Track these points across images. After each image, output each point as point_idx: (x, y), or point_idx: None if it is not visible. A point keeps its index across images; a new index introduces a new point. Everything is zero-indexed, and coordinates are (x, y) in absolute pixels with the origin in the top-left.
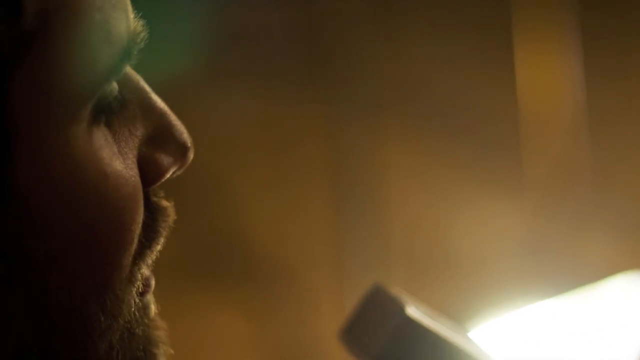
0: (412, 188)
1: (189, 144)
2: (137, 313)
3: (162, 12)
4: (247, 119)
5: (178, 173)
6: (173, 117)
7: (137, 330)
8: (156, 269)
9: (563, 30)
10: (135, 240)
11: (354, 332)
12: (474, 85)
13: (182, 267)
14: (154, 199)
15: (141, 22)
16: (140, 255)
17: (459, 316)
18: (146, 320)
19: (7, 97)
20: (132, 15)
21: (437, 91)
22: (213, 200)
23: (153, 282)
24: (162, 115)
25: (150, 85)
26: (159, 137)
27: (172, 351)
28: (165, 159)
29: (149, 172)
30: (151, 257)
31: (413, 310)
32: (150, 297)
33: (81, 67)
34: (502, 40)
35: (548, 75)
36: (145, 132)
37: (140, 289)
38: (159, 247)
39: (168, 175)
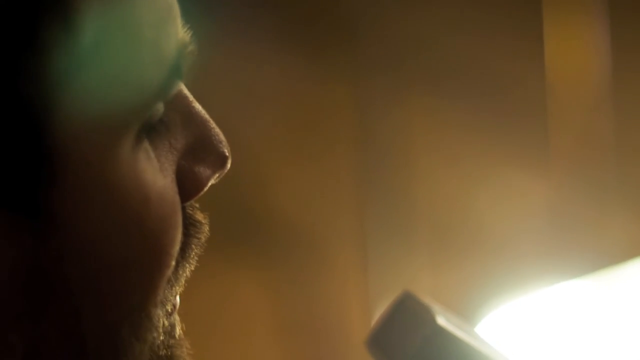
0: (438, 161)
1: (228, 154)
2: (164, 335)
3: None
4: (272, 88)
5: (214, 182)
6: (213, 126)
7: (162, 352)
8: None
9: (591, 2)
10: (173, 264)
11: (382, 339)
12: (501, 58)
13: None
14: (189, 211)
15: (189, 33)
16: (174, 275)
17: (481, 295)
18: (172, 342)
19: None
20: (181, 28)
21: (463, 63)
22: (236, 171)
23: (178, 301)
24: (202, 124)
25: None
26: (199, 149)
27: None
28: (204, 173)
29: (187, 186)
30: (184, 277)
31: (443, 319)
32: (176, 317)
33: (129, 89)
34: (531, 12)
35: (576, 47)
36: (185, 144)
37: (170, 311)
38: (192, 267)
39: (206, 189)
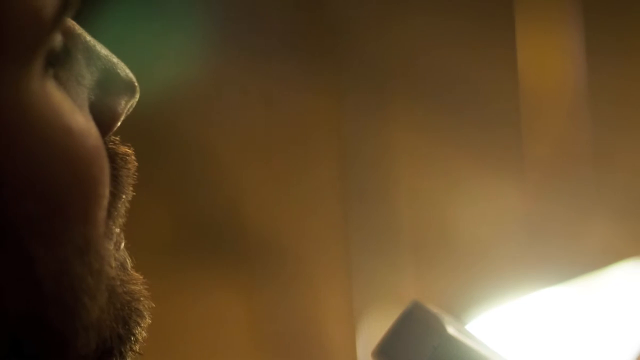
0: (416, 169)
1: (134, 80)
2: (117, 270)
3: None
4: (255, 100)
5: (128, 113)
6: (115, 58)
7: (118, 289)
8: (153, 247)
9: (565, 9)
10: (107, 193)
11: (391, 350)
12: (475, 66)
13: (179, 246)
14: (111, 146)
15: None
16: (112, 207)
17: (465, 302)
18: (125, 277)
19: None
20: None
21: (438, 73)
22: (214, 181)
23: (122, 236)
24: (104, 58)
25: (147, 69)
26: (106, 81)
27: (153, 304)
28: (117, 104)
29: (103, 120)
30: (123, 208)
31: (452, 329)
32: (125, 252)
33: (25, 16)
34: (504, 19)
35: (550, 54)
36: (92, 79)
37: (117, 244)
38: (129, 197)
39: (122, 119)
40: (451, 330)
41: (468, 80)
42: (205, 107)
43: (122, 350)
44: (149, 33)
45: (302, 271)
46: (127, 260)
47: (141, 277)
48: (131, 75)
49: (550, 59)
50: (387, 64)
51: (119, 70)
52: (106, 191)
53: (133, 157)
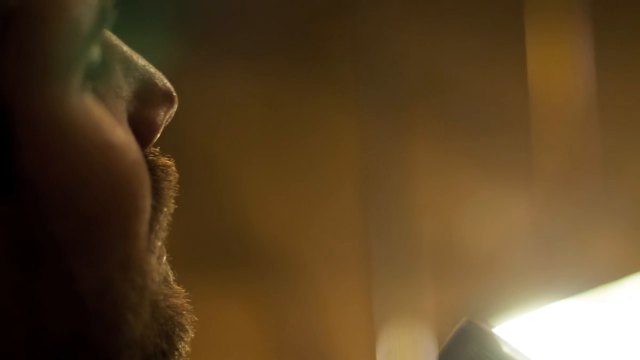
0: (431, 180)
1: (173, 90)
2: (160, 284)
3: None
4: (270, 115)
5: (167, 123)
6: (152, 68)
7: (162, 303)
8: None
9: (574, 20)
10: (148, 206)
11: None
12: (484, 77)
13: (190, 259)
14: (151, 158)
15: None
16: (154, 221)
17: (484, 313)
18: (168, 291)
19: None
20: None
21: (449, 85)
22: (226, 193)
23: (164, 249)
24: (142, 68)
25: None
26: (144, 92)
27: (196, 318)
28: (155, 114)
29: (142, 132)
30: (165, 221)
31: (508, 347)
32: (166, 264)
33: (63, 29)
34: (514, 32)
35: (559, 65)
36: (129, 90)
37: (160, 257)
38: (171, 210)
39: (161, 131)
40: (507, 348)
41: (478, 93)
42: (216, 117)
43: None
44: (152, 35)
45: (321, 285)
46: (169, 274)
47: (183, 290)
48: (169, 85)
49: (559, 70)
50: (405, 80)
51: (156, 81)
52: (148, 205)
53: (174, 168)
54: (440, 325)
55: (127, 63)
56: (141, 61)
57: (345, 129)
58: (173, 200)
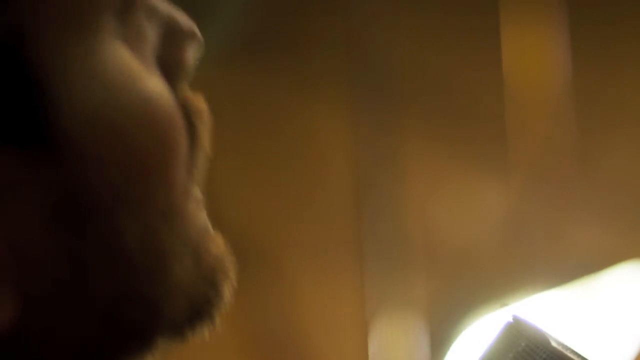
0: (419, 177)
1: (196, 28)
2: (201, 233)
3: None
4: (261, 113)
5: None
6: (174, 9)
7: (203, 250)
8: None
9: (549, 13)
10: (185, 154)
11: None
12: (459, 66)
13: None
14: (185, 102)
15: None
16: (191, 166)
17: (474, 305)
18: (207, 238)
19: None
20: None
21: (421, 73)
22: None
23: (202, 196)
24: (165, 11)
25: None
26: (169, 34)
27: (237, 264)
28: (182, 54)
29: (172, 74)
30: (201, 164)
31: (555, 342)
32: (204, 212)
33: None
34: (489, 17)
35: (534, 55)
36: (153, 35)
37: (198, 203)
38: (207, 153)
39: (191, 71)
40: (554, 343)
41: (453, 83)
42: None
43: (211, 311)
44: None
45: (312, 281)
46: (207, 220)
47: (221, 236)
48: (192, 23)
49: (534, 60)
50: (390, 74)
51: (180, 21)
52: (184, 152)
53: (208, 110)
54: (431, 317)
55: (151, 9)
56: (162, 4)
57: (341, 131)
58: (209, 143)
